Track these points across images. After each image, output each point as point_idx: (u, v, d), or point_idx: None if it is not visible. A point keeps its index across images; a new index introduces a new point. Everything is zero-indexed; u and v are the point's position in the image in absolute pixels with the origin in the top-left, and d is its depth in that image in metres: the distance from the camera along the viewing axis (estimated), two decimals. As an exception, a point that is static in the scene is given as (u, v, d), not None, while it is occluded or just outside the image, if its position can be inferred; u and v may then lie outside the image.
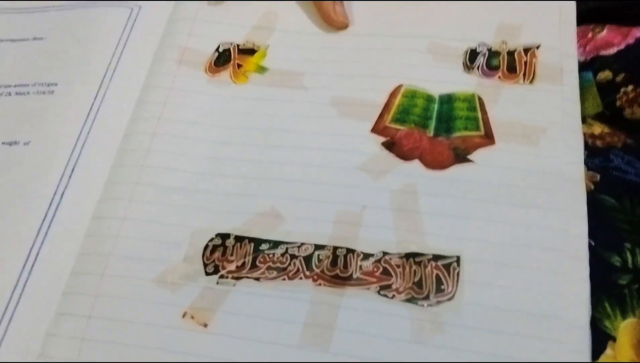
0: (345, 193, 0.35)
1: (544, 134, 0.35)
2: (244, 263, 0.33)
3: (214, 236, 0.34)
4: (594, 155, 0.33)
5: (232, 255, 0.33)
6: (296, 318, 0.31)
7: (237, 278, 0.33)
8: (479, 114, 0.37)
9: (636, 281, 0.29)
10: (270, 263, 0.33)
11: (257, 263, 0.33)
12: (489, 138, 0.36)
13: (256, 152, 0.37)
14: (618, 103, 0.34)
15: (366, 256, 0.32)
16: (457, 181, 0.34)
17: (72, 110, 0.40)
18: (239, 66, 0.41)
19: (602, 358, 0.28)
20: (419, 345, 0.30)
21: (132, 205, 0.36)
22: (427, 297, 0.31)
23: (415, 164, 0.35)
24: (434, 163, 0.35)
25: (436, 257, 0.32)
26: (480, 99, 0.37)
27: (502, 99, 0.37)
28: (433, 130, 0.37)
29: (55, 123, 0.39)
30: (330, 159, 0.36)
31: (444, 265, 0.32)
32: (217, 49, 0.42)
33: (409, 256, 0.32)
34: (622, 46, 0.35)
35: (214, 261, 0.33)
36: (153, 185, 0.36)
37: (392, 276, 0.32)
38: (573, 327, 0.29)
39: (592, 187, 0.32)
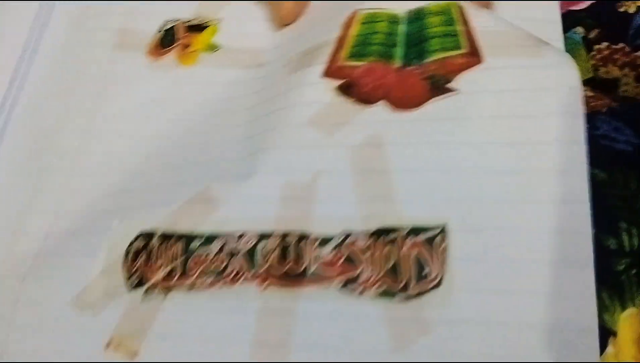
0: (290, 158, 0.26)
1: (546, 44, 0.26)
2: (172, 269, 0.26)
3: (134, 238, 0.27)
4: None
5: (158, 260, 0.26)
6: (242, 334, 0.24)
7: (167, 289, 0.26)
8: (460, 27, 0.27)
9: (634, 265, 0.23)
10: (204, 266, 0.25)
11: (189, 267, 0.26)
12: (474, 56, 0.26)
13: (196, 139, 0.30)
14: (592, 62, 0.29)
15: (324, 241, 0.24)
16: (435, 121, 0.25)
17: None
18: (187, 45, 0.34)
19: (603, 358, 0.22)
20: (400, 353, 0.22)
21: (57, 220, 0.29)
22: (405, 287, 0.23)
23: (380, 107, 0.26)
24: (404, 101, 0.26)
25: (414, 231, 0.24)
26: (460, 8, 0.28)
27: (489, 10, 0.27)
28: (401, 59, 0.27)
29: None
30: (273, 121, 0.28)
31: (425, 241, 0.24)
32: (161, 28, 0.35)
33: (378, 233, 0.24)
34: (594, -1, 0.30)
35: (137, 270, 0.26)
36: (81, 192, 0.30)
37: (358, 265, 0.24)
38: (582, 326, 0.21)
39: None
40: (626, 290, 0.23)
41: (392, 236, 0.24)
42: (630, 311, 0.23)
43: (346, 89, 0.27)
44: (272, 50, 0.33)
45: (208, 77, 0.33)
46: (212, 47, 0.34)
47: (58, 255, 0.28)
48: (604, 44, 0.29)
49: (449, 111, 0.25)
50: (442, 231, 0.23)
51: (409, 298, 0.23)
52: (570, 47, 0.29)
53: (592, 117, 0.26)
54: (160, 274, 0.26)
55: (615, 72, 0.28)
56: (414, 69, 0.27)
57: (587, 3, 0.30)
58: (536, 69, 0.25)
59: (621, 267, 0.23)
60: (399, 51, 0.28)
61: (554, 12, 0.30)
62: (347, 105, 0.27)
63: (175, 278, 0.25)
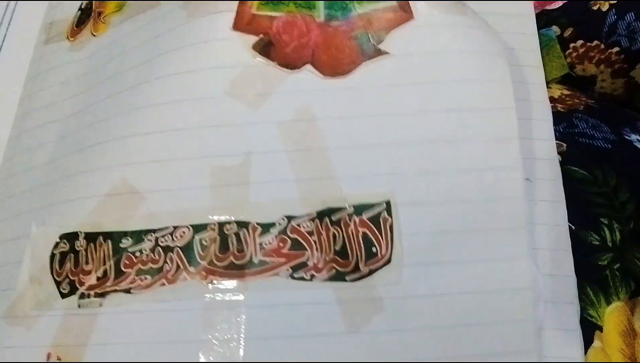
0: (217, 138, 0.24)
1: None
2: (105, 272, 0.24)
3: (57, 242, 0.25)
4: (557, 121, 0.27)
5: (87, 263, 0.24)
6: (190, 334, 0.23)
7: (103, 294, 0.24)
8: (387, -30, 0.25)
9: (617, 259, 0.24)
10: (140, 265, 0.24)
11: (123, 268, 0.24)
12: (405, 11, 0.24)
13: (104, 111, 0.26)
14: (568, 60, 0.29)
15: (265, 227, 0.23)
16: (369, 89, 0.23)
17: None
18: (100, 13, 0.31)
19: (590, 352, 0.23)
20: (355, 335, 0.22)
21: None
22: (356, 268, 0.23)
23: (307, 72, 0.24)
24: (333, 65, 0.24)
25: (359, 208, 0.23)
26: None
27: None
28: (323, 11, 0.25)
29: None
30: (184, 87, 0.25)
31: (370, 218, 0.23)
32: (80, 7, 0.32)
33: (322, 215, 0.23)
34: (568, -3, 0.30)
35: (67, 275, 0.24)
36: (9, 194, 0.28)
37: (305, 249, 0.23)
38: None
39: (560, 158, 0.26)
40: (610, 284, 0.24)
41: (337, 216, 0.23)
42: (615, 305, 0.23)
43: (264, 49, 0.24)
44: None
45: (114, 37, 0.29)
46: (120, 6, 0.30)
47: None
48: (579, 42, 0.29)
49: (381, 77, 0.24)
50: (387, 206, 0.23)
51: (360, 278, 0.23)
52: (545, 44, 0.29)
53: (570, 116, 0.27)
54: (93, 278, 0.24)
55: (591, 69, 0.29)
56: (341, 24, 0.24)
57: (561, 2, 0.30)
58: (463, 29, 0.23)
59: (604, 262, 0.24)
60: (319, 2, 0.25)
61: (528, 7, 0.29)
62: (268, 69, 0.24)
63: (110, 281, 0.24)
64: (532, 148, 0.25)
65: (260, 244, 0.23)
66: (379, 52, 0.24)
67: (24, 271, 0.25)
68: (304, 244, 0.23)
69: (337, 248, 0.23)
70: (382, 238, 0.23)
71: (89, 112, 0.27)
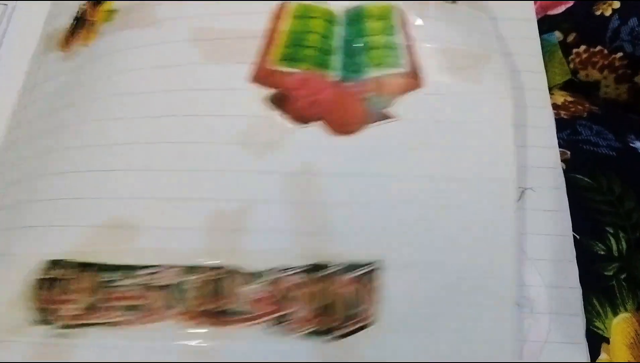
0: (218, 184, 0.24)
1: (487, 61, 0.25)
2: (87, 304, 0.23)
3: (40, 268, 0.24)
4: (560, 129, 0.26)
5: (69, 293, 0.24)
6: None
7: (81, 326, 0.23)
8: (401, 40, 0.26)
9: (623, 269, 0.24)
10: (124, 301, 0.23)
11: (106, 301, 0.23)
12: (414, 78, 0.25)
13: (92, 133, 0.26)
14: (571, 66, 0.29)
15: (254, 276, 0.23)
16: (372, 150, 0.24)
17: None
18: (92, 23, 0.31)
19: None
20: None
21: None
22: (339, 327, 0.22)
23: (316, 127, 0.25)
24: (341, 123, 0.24)
25: (349, 267, 0.23)
26: (401, 13, 0.26)
27: (429, 15, 0.25)
28: (338, 71, 0.25)
29: None
30: (193, 131, 0.25)
31: (358, 277, 0.23)
32: (75, 17, 0.32)
33: (312, 269, 0.23)
34: (570, 3, 0.30)
35: (45, 303, 0.24)
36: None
37: (290, 302, 0.23)
38: None
39: (564, 166, 0.25)
40: (617, 294, 0.23)
41: (326, 272, 0.23)
42: (622, 316, 0.23)
43: (278, 101, 0.25)
44: (168, 6, 0.28)
45: (104, 49, 0.29)
46: (110, 14, 0.31)
47: None
48: (582, 48, 0.29)
49: (385, 139, 0.24)
50: (377, 268, 0.23)
51: (342, 337, 0.22)
52: (547, 50, 0.28)
53: (573, 123, 0.26)
54: (73, 309, 0.23)
55: (595, 75, 0.28)
56: (352, 86, 0.25)
57: (564, 7, 0.30)
58: (474, 97, 0.24)
59: (610, 272, 0.24)
60: (336, 61, 0.26)
61: (529, 11, 0.29)
62: (279, 122, 0.25)
63: (91, 313, 0.23)
64: (534, 155, 0.25)
65: (246, 292, 0.23)
66: (385, 116, 0.24)
67: (2, 293, 0.24)
68: (290, 297, 0.23)
69: (323, 304, 0.22)
70: (366, 299, 0.22)
71: (78, 131, 0.27)
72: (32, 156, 0.28)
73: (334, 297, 0.22)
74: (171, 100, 0.26)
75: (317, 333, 0.22)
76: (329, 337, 0.22)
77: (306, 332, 0.22)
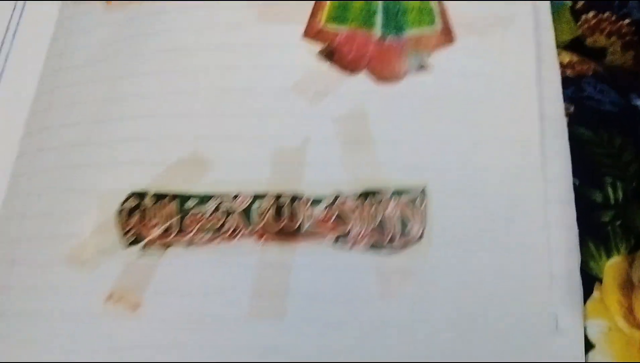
0: (280, 125, 0.28)
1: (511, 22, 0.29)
2: (169, 227, 0.27)
3: (127, 196, 0.28)
4: (565, 86, 0.28)
5: (153, 218, 0.27)
6: (241, 287, 0.26)
7: (165, 246, 0.27)
8: (434, 3, 0.30)
9: (619, 216, 0.26)
10: (202, 224, 0.27)
11: (185, 224, 0.27)
12: (447, 35, 0.29)
13: (160, 82, 0.30)
14: (579, 32, 0.30)
15: (315, 201, 0.27)
16: (413, 96, 0.28)
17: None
18: None
19: (589, 302, 0.25)
20: (387, 299, 0.26)
21: (36, 177, 0.29)
22: (391, 241, 0.26)
23: (362, 77, 0.29)
24: (385, 73, 0.28)
25: (397, 192, 0.27)
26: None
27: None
28: (380, 30, 0.30)
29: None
30: (255, 80, 0.29)
31: (407, 201, 0.27)
32: None
33: (365, 195, 0.27)
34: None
35: (132, 228, 0.27)
36: (53, 149, 0.30)
37: (348, 222, 0.27)
38: (559, 276, 0.26)
39: (567, 119, 0.28)
40: (611, 240, 0.26)
41: (377, 197, 0.27)
42: (615, 259, 0.26)
43: (328, 55, 0.29)
44: None
45: (159, 7, 0.31)
46: None
47: (47, 215, 0.28)
48: (591, 13, 0.30)
49: (423, 89, 0.28)
50: (422, 192, 0.27)
51: (394, 250, 0.26)
52: (556, 9, 0.30)
53: (578, 81, 0.28)
54: (157, 231, 0.27)
55: (602, 41, 0.29)
56: (393, 42, 0.29)
57: None
58: (499, 53, 0.28)
59: (606, 219, 0.26)
60: (378, 21, 0.30)
61: None
62: (330, 72, 0.29)
63: (173, 235, 0.27)
64: (540, 107, 0.28)
65: (310, 214, 0.27)
66: (422, 68, 0.29)
67: (89, 221, 0.27)
68: (348, 218, 0.27)
69: (376, 223, 0.27)
70: (415, 219, 0.27)
71: (143, 80, 0.30)
72: (90, 101, 0.30)
73: (385, 217, 0.27)
74: (232, 54, 0.29)
75: (373, 247, 0.26)
76: (384, 250, 0.26)
77: (364, 246, 0.26)
